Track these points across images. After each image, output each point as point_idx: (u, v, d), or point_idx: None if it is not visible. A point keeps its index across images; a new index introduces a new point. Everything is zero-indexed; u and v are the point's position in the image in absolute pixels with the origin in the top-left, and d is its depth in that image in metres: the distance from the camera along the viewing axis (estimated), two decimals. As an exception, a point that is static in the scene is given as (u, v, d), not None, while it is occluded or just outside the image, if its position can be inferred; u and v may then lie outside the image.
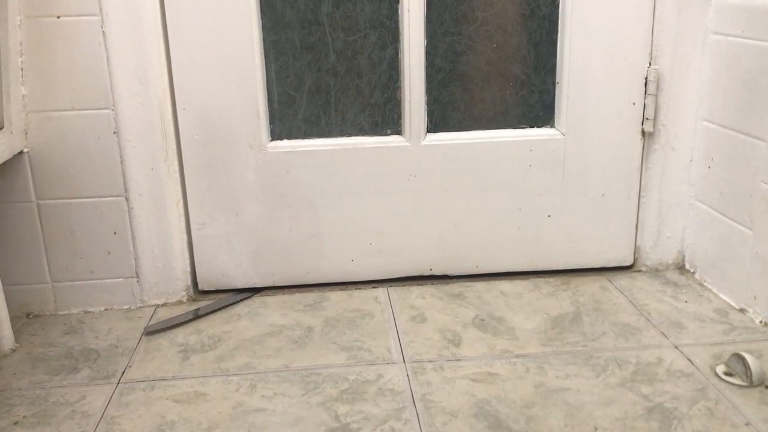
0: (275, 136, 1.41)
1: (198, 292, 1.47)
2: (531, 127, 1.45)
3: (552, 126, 1.44)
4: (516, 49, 1.41)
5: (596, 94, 1.41)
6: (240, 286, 1.47)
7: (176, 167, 1.38)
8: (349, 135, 1.42)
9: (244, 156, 1.39)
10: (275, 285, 1.48)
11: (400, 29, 1.37)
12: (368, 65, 1.39)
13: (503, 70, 1.42)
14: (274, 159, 1.40)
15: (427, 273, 1.50)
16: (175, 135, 1.37)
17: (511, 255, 1.50)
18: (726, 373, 1.14)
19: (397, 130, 1.43)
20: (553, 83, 1.42)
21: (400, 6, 1.35)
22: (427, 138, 1.42)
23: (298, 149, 1.40)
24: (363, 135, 1.43)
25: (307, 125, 1.41)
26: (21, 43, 1.26)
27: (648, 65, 1.40)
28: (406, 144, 1.42)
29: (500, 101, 1.43)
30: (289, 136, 1.41)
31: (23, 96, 1.29)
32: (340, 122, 1.42)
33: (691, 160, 1.45)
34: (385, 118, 1.42)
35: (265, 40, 1.36)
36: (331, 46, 1.37)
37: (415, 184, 1.44)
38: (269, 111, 1.39)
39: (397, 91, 1.40)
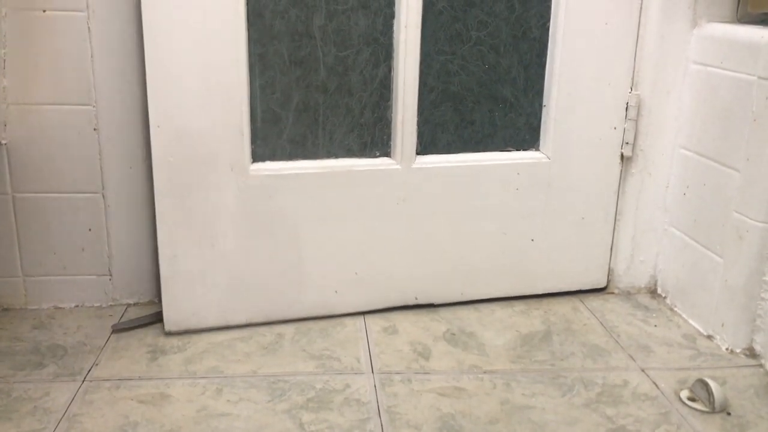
0: (257, 157, 1.30)
1: (171, 293, 1.46)
2: (517, 150, 1.43)
3: (537, 149, 1.43)
4: (507, 71, 1.39)
5: (581, 118, 1.41)
6: (212, 325, 1.33)
7: (155, 167, 1.37)
8: (337, 156, 1.34)
9: (225, 180, 1.27)
10: (250, 323, 1.35)
11: (395, 46, 1.30)
12: (360, 82, 1.31)
13: (493, 92, 1.39)
14: (257, 183, 1.29)
15: (412, 302, 1.43)
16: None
17: (495, 281, 1.46)
18: (689, 398, 1.15)
19: (387, 152, 1.36)
20: (541, 106, 1.42)
21: (395, 21, 1.29)
22: (417, 161, 1.36)
23: (283, 172, 1.30)
24: (351, 156, 1.34)
25: (293, 146, 1.32)
26: (5, 35, 1.26)
27: (630, 91, 1.41)
28: (397, 167, 1.35)
29: (489, 123, 1.40)
30: (273, 158, 1.31)
31: (4, 88, 1.28)
32: (327, 143, 1.33)
33: (668, 186, 1.46)
34: (374, 139, 1.35)
35: (251, 53, 1.25)
36: (321, 60, 1.29)
37: (405, 208, 1.37)
38: (252, 130, 1.29)
39: (388, 111, 1.34)
